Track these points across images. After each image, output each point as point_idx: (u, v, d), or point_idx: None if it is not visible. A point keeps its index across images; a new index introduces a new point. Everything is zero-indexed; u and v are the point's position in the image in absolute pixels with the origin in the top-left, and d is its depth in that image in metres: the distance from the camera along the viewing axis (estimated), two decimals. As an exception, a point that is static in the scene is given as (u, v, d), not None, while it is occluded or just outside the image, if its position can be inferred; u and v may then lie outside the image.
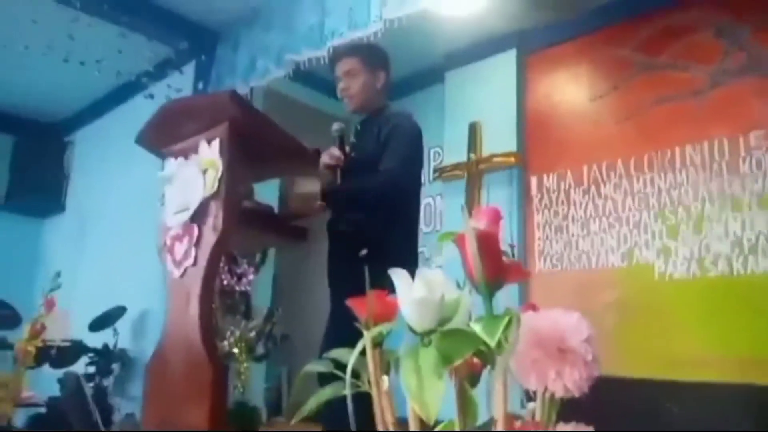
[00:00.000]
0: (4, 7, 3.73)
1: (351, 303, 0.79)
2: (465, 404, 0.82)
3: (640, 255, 3.38)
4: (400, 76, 4.80)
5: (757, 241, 3.01)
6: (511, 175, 4.05)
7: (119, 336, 4.37)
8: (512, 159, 3.99)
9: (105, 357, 4.26)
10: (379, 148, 2.07)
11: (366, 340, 0.73)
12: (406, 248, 2.16)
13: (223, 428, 1.58)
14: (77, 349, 4.02)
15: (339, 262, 2.17)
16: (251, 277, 3.67)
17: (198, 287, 1.67)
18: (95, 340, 4.36)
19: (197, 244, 1.70)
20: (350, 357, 0.73)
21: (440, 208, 4.52)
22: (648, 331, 3.21)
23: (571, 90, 3.95)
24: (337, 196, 2.04)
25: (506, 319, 0.66)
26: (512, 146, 4.04)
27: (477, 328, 0.66)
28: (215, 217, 1.66)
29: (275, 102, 4.55)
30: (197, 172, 1.74)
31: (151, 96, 4.15)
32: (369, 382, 0.75)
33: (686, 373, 3.01)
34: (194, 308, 1.66)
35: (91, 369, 4.21)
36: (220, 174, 1.67)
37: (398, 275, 0.71)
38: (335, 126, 2.25)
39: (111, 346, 4.35)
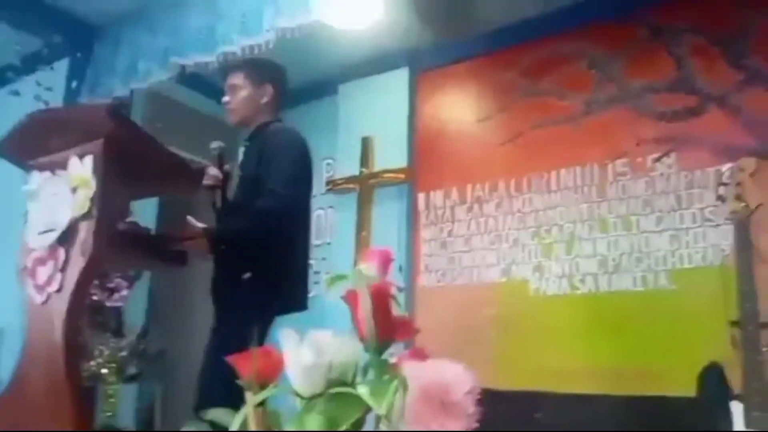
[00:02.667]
0: None
1: (233, 360, 0.75)
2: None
3: (517, 271, 3.56)
4: (294, 85, 4.70)
5: (620, 261, 3.27)
6: (402, 191, 4.12)
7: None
8: (402, 175, 4.07)
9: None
10: (262, 167, 2.02)
11: (248, 402, 0.69)
12: (294, 268, 2.13)
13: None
14: None
15: (223, 281, 2.09)
16: (125, 292, 3.45)
17: (62, 316, 1.53)
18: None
19: (63, 269, 1.56)
20: (230, 419, 0.69)
21: (331, 220, 4.50)
22: (523, 344, 3.39)
23: (459, 110, 4.09)
24: (222, 241, 1.96)
25: (393, 385, 0.65)
26: (403, 162, 4.12)
27: (364, 392, 0.65)
28: (85, 240, 1.53)
29: (159, 105, 4.33)
30: (66, 189, 1.60)
31: (17, 93, 3.79)
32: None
33: (556, 384, 3.21)
34: (57, 339, 1.52)
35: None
36: (92, 193, 1.54)
37: (287, 337, 0.68)
38: (213, 145, 2.19)
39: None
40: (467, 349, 3.29)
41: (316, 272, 4.56)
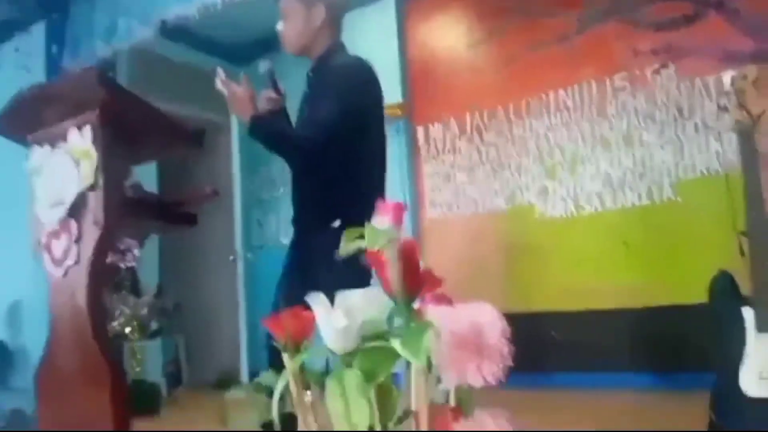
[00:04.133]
0: None
1: (267, 323, 0.77)
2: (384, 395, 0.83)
3: (522, 197, 3.58)
4: (273, 27, 4.62)
5: (624, 177, 3.28)
6: (398, 126, 4.08)
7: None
8: (398, 111, 4.00)
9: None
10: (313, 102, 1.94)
11: (288, 365, 0.71)
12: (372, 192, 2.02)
13: (127, 421, 1.53)
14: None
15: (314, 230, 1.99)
16: (136, 252, 3.49)
17: (83, 287, 1.55)
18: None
19: (78, 240, 1.56)
20: (276, 382, 0.72)
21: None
22: (533, 268, 3.45)
23: (451, 37, 3.99)
24: (261, 129, 1.89)
25: (427, 334, 0.67)
26: (397, 96, 4.05)
27: (397, 345, 0.67)
28: (96, 210, 1.53)
29: (142, 61, 4.22)
30: (69, 162, 1.58)
31: (-2, 62, 3.70)
32: (293, 401, 0.75)
33: (569, 303, 3.29)
34: (82, 308, 1.55)
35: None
36: (95, 163, 1.53)
37: (316, 301, 0.70)
38: (262, 66, 2.04)
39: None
40: (477, 278, 3.36)
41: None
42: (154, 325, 3.48)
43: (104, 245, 1.57)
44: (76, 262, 1.57)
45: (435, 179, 3.93)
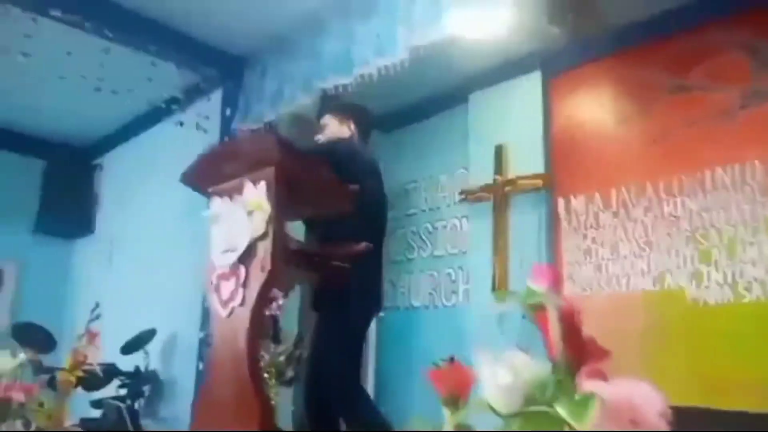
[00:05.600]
0: (42, 40, 3.83)
1: (431, 376, 0.81)
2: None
3: (672, 279, 3.36)
4: (424, 97, 4.87)
5: (791, 265, 2.98)
6: (538, 198, 4.05)
7: (149, 358, 4.43)
8: (539, 181, 3.99)
9: (136, 379, 4.31)
10: None
11: (448, 419, 0.74)
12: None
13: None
14: (111, 372, 4.08)
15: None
16: (281, 301, 3.70)
17: (245, 327, 1.70)
18: (125, 362, 4.42)
19: (245, 284, 1.73)
20: None
21: (466, 230, 4.52)
22: (681, 358, 3.18)
23: (597, 111, 3.95)
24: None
25: (593, 404, 0.67)
26: (539, 168, 4.04)
27: (563, 412, 0.67)
28: (263, 258, 1.69)
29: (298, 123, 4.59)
30: (243, 213, 1.77)
31: (181, 123, 4.22)
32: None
33: (720, 400, 2.98)
34: (242, 347, 1.69)
35: (123, 391, 4.27)
36: (267, 216, 1.70)
37: (483, 357, 0.73)
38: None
39: (142, 368, 4.40)
40: (618, 363, 3.16)
41: (453, 281, 4.62)
42: (290, 373, 3.63)
43: (268, 290, 1.72)
44: (241, 304, 1.73)
45: (574, 253, 3.82)
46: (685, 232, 3.36)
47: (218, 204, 1.90)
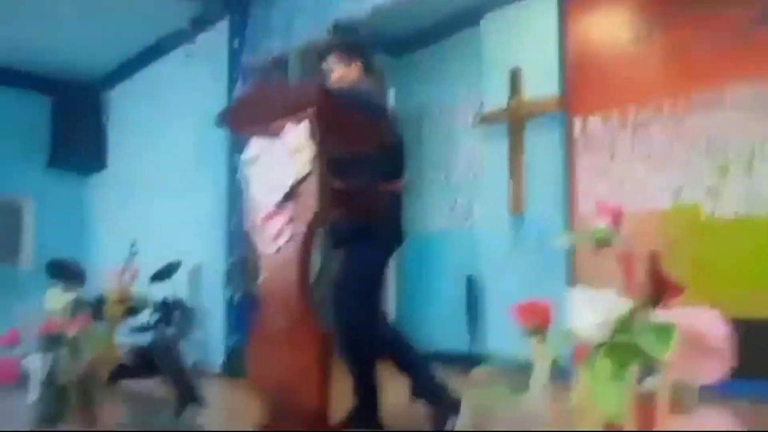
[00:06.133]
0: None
1: (516, 310, 0.89)
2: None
3: (688, 195, 3.43)
4: (435, 20, 4.77)
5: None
6: (553, 119, 4.06)
7: (175, 287, 4.59)
8: (555, 103, 3.99)
9: (167, 308, 4.49)
10: None
11: (534, 348, 0.83)
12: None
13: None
14: (144, 301, 4.23)
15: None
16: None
17: (295, 262, 1.79)
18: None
19: (292, 222, 1.80)
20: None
21: (481, 154, 4.56)
22: (697, 273, 3.30)
23: (613, 30, 3.88)
24: None
25: (673, 334, 0.75)
26: (553, 90, 4.03)
27: (644, 343, 0.76)
28: (310, 197, 1.75)
29: (310, 55, 4.54)
30: (285, 154, 1.82)
31: (191, 54, 4.17)
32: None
33: (742, 309, 3.11)
34: (292, 281, 1.79)
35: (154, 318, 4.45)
36: (311, 156, 1.75)
37: (577, 294, 0.80)
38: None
39: (169, 297, 4.58)
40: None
41: (469, 204, 4.72)
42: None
43: (315, 227, 1.79)
44: (289, 241, 1.81)
45: (591, 173, 3.87)
46: (702, 149, 3.40)
47: (257, 145, 1.94)
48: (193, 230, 4.74)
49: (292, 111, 1.81)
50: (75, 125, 5.79)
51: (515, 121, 4.17)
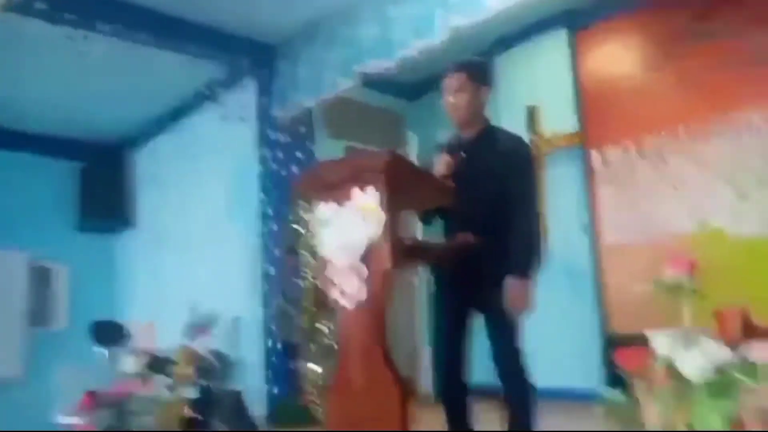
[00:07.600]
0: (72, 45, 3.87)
1: (619, 357, 1.04)
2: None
3: (711, 219, 3.57)
4: (450, 61, 4.96)
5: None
6: (572, 153, 4.23)
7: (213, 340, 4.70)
8: (573, 138, 4.17)
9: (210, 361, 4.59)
10: (513, 179, 2.28)
11: (639, 389, 0.99)
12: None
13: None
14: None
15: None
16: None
17: (373, 319, 1.94)
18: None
19: (368, 280, 1.96)
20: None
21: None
22: (725, 292, 3.42)
23: (626, 63, 4.09)
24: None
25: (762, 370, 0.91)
26: (571, 124, 4.22)
27: (740, 376, 0.91)
28: (383, 257, 1.91)
29: (336, 106, 4.74)
30: (357, 216, 1.99)
31: (225, 117, 4.39)
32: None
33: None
34: (373, 338, 1.94)
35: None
36: (382, 218, 1.92)
37: (671, 341, 0.96)
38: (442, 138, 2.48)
39: (207, 350, 4.68)
40: (665, 300, 3.41)
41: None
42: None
43: (390, 285, 1.95)
44: (366, 298, 1.97)
45: (613, 202, 4.03)
46: (721, 173, 3.55)
47: (327, 209, 2.11)
48: (227, 284, 4.87)
49: (360, 175, 1.98)
50: (102, 187, 5.99)
51: (536, 157, 4.35)
